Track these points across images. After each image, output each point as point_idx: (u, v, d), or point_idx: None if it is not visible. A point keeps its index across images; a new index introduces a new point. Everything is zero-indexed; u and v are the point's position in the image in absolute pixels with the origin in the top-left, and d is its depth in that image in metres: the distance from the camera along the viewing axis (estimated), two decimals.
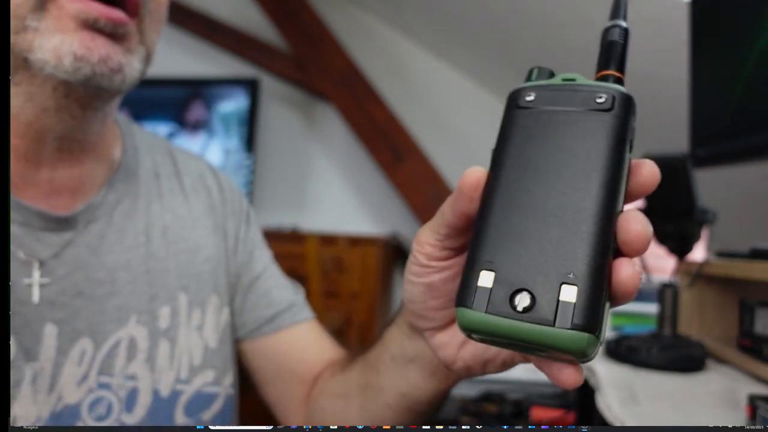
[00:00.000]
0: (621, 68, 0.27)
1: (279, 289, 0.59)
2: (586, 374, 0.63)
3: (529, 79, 0.29)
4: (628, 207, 0.25)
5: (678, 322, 0.69)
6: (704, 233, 0.73)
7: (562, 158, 0.25)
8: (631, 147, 0.26)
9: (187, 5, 2.08)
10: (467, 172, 0.27)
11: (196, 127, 2.04)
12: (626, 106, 0.25)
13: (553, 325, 0.22)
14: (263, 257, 0.61)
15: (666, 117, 1.28)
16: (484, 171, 0.27)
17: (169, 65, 2.10)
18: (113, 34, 0.41)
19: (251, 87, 2.00)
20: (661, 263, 0.94)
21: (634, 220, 0.23)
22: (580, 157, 0.25)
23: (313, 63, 1.94)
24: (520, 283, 0.23)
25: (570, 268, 0.23)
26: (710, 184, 0.86)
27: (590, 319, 0.22)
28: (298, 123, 2.16)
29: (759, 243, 0.67)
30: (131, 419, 0.47)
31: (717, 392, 0.56)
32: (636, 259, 0.24)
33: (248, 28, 2.07)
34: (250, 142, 1.98)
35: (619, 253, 0.24)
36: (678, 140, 0.90)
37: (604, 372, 0.61)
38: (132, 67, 0.43)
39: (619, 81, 0.27)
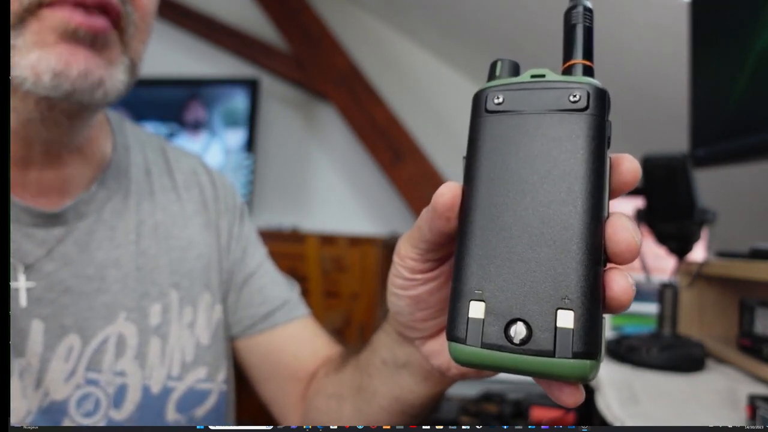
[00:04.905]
0: (589, 55, 0.25)
1: (273, 286, 0.59)
2: None
3: (492, 74, 0.27)
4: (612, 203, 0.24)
5: (678, 322, 0.69)
6: (704, 233, 0.73)
7: (540, 168, 0.23)
8: (608, 143, 0.24)
9: (187, 5, 2.08)
10: (440, 190, 0.25)
11: (196, 127, 2.04)
12: (601, 101, 0.23)
13: (554, 356, 0.21)
14: (257, 254, 0.60)
15: (666, 117, 1.28)
16: (458, 188, 0.25)
17: (168, 65, 2.10)
18: (94, 43, 0.40)
19: (251, 87, 2.00)
20: (661, 263, 0.94)
21: (622, 229, 0.22)
22: (559, 165, 0.23)
23: (313, 63, 1.93)
24: (513, 313, 0.22)
25: (564, 291, 0.21)
26: (710, 184, 0.86)
27: (591, 345, 0.21)
28: (298, 123, 2.16)
29: (759, 243, 0.67)
30: (120, 415, 0.47)
31: (717, 392, 0.56)
32: (626, 269, 0.23)
33: (248, 28, 2.07)
34: (250, 142, 1.98)
35: (608, 258, 0.23)
36: (678, 140, 0.90)
37: (604, 372, 0.61)
38: (114, 79, 0.42)
39: (589, 70, 0.25)
